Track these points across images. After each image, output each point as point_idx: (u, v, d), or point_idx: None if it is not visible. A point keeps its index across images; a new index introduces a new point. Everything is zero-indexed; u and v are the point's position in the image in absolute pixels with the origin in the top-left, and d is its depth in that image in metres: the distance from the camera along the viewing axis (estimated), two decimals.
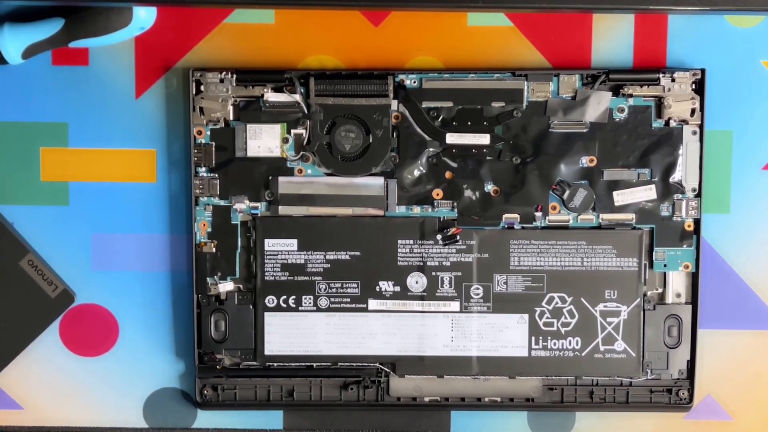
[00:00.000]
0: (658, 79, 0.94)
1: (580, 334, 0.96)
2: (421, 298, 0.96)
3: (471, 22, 0.96)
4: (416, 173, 0.96)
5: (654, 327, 0.96)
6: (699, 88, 0.95)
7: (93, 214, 0.97)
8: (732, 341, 0.98)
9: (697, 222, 0.95)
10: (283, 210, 0.96)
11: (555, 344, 0.96)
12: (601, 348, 0.96)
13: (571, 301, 0.96)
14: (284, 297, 0.96)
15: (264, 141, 0.95)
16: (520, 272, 0.96)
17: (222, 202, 0.96)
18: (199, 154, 0.95)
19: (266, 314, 0.96)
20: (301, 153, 0.95)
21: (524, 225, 0.96)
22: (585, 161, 0.95)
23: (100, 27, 0.92)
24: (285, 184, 0.96)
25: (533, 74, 0.95)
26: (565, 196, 0.95)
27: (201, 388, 0.97)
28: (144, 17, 0.93)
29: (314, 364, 0.96)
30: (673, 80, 0.94)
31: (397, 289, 0.96)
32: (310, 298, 0.96)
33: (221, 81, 0.95)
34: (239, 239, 0.96)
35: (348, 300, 0.96)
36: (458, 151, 0.95)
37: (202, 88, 0.95)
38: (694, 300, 0.96)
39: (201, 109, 0.95)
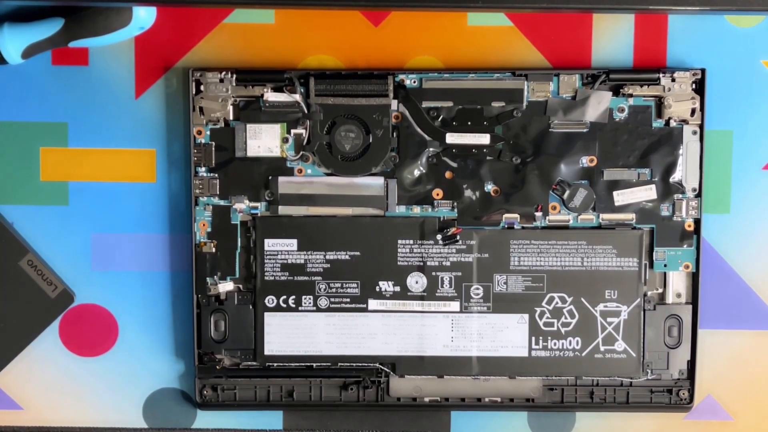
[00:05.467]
0: (658, 79, 0.94)
1: (580, 334, 0.96)
2: (421, 298, 0.96)
3: (471, 22, 0.96)
4: (416, 173, 0.95)
5: (654, 327, 0.96)
6: (699, 88, 0.95)
7: (93, 214, 0.97)
8: (732, 341, 0.98)
9: (697, 222, 0.95)
10: (283, 210, 0.96)
11: (555, 344, 0.96)
12: (602, 348, 0.96)
13: (571, 301, 0.96)
14: (284, 297, 0.96)
15: (264, 141, 0.95)
16: (520, 272, 0.96)
17: (222, 202, 0.96)
18: (199, 154, 0.95)
19: (266, 314, 0.96)
20: (301, 153, 0.95)
21: (524, 225, 0.96)
22: (585, 161, 0.95)
23: (100, 27, 0.92)
24: (285, 184, 0.96)
25: (533, 74, 0.95)
26: (565, 196, 0.95)
27: (201, 389, 0.97)
28: (144, 17, 0.93)
29: (314, 365, 0.96)
30: (673, 80, 0.94)
31: (397, 289, 0.96)
32: (310, 298, 0.96)
33: (221, 81, 0.95)
34: (239, 239, 0.96)
35: (348, 300, 0.96)
36: (458, 151, 0.95)
37: (202, 88, 0.95)
38: (694, 300, 0.96)
39: (201, 109, 0.95)
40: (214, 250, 0.96)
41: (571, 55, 0.96)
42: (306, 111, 0.95)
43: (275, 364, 0.96)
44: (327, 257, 0.96)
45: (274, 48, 0.96)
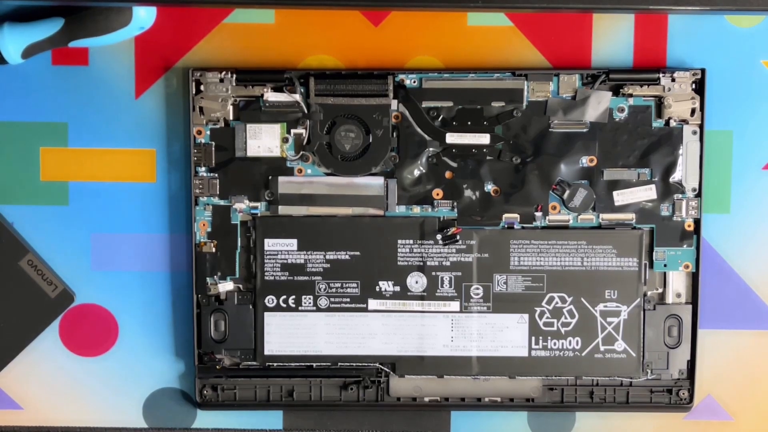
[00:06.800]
0: (658, 79, 0.94)
1: (580, 334, 0.96)
2: (421, 298, 0.96)
3: (471, 22, 0.96)
4: (416, 173, 0.96)
5: (654, 327, 0.96)
6: (699, 88, 0.95)
7: (93, 214, 0.97)
8: (732, 341, 0.98)
9: (697, 222, 0.95)
10: (283, 210, 0.96)
11: (555, 344, 0.96)
12: (602, 348, 0.96)
13: (571, 301, 0.96)
14: (284, 297, 0.96)
15: (264, 141, 0.95)
16: (520, 272, 0.96)
17: (222, 202, 0.96)
18: (199, 154, 0.95)
19: (266, 314, 0.96)
20: (301, 153, 0.95)
21: (524, 225, 0.96)
22: (585, 161, 0.95)
23: (100, 27, 0.92)
24: (285, 184, 0.96)
25: (533, 74, 0.95)
26: (565, 196, 0.95)
27: (201, 388, 0.97)
28: (144, 17, 0.93)
29: (314, 364, 0.96)
30: (673, 80, 0.94)
31: (397, 289, 0.96)
32: (309, 298, 0.96)
33: (221, 81, 0.95)
34: (239, 239, 0.96)
35: (348, 300, 0.96)
36: (458, 151, 0.95)
37: (202, 87, 0.95)
38: (694, 300, 0.96)
39: (201, 108, 0.95)
40: (214, 250, 0.96)
41: (571, 55, 0.96)
42: (306, 111, 0.95)
43: (275, 364, 0.96)
44: (327, 257, 0.96)
45: (274, 48, 0.96)
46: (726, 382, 0.98)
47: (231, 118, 0.95)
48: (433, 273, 0.96)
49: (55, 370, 0.98)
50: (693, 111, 0.95)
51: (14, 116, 0.96)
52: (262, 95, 0.95)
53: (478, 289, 0.96)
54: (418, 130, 0.95)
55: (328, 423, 0.98)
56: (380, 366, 0.96)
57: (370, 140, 0.95)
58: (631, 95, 0.95)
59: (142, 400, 0.98)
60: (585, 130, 0.95)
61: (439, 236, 0.95)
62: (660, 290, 0.96)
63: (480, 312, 0.96)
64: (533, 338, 0.96)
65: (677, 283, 0.96)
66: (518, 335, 0.96)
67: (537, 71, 0.95)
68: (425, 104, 0.95)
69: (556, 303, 0.96)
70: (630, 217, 0.96)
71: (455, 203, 0.96)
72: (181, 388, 0.98)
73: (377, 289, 0.96)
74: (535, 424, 0.98)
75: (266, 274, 0.96)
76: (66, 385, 0.98)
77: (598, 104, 0.95)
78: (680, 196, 0.95)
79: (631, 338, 0.96)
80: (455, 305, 0.96)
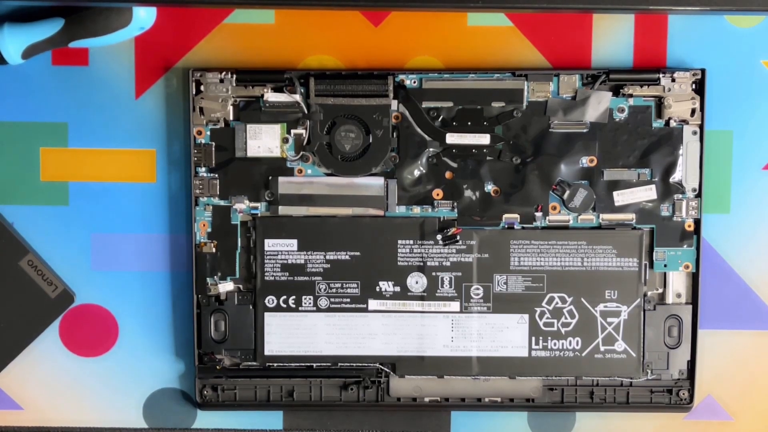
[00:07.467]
0: (658, 79, 0.94)
1: (580, 334, 0.96)
2: (421, 298, 0.96)
3: (471, 22, 0.96)
4: (416, 173, 0.96)
5: (654, 327, 0.96)
6: (699, 88, 0.95)
7: (93, 214, 0.97)
8: (732, 341, 0.98)
9: (697, 222, 0.95)
10: (283, 210, 0.96)
11: (555, 344, 0.96)
12: (602, 348, 0.96)
13: (571, 301, 0.96)
14: (284, 297, 0.96)
15: (264, 141, 0.95)
16: (520, 272, 0.96)
17: (222, 202, 0.96)
18: (199, 154, 0.95)
19: (266, 314, 0.96)
20: (301, 153, 0.95)
21: (524, 225, 0.96)
22: (585, 161, 0.95)
23: (100, 27, 0.92)
24: (285, 184, 0.96)
25: (533, 74, 0.95)
26: (565, 196, 0.95)
27: (201, 389, 0.97)
28: (144, 17, 0.93)
29: (314, 365, 0.96)
30: (673, 80, 0.94)
31: (397, 289, 0.96)
32: (310, 299, 0.96)
33: (221, 81, 0.95)
34: (239, 239, 0.96)
35: (348, 300, 0.96)
36: (458, 151, 0.95)
37: (202, 88, 0.95)
38: (694, 300, 0.96)
39: (201, 109, 0.95)
40: (214, 250, 0.96)
41: (571, 55, 0.96)
42: (306, 111, 0.95)
43: (275, 364, 0.96)
44: (327, 257, 0.96)
45: (274, 48, 0.96)
46: (726, 382, 0.98)
47: (231, 118, 0.95)
48: (433, 273, 0.96)
49: (55, 370, 0.98)
50: (693, 111, 0.95)
51: (14, 116, 0.96)
52: (262, 95, 0.95)
53: (478, 289, 0.96)
54: (418, 130, 0.95)
55: (328, 423, 0.98)
56: (380, 366, 0.96)
57: (370, 140, 0.95)
58: (631, 95, 0.95)
59: (142, 400, 0.98)
60: (585, 131, 0.95)
61: (439, 236, 0.95)
62: (660, 290, 0.96)
63: (480, 312, 0.96)
64: (533, 338, 0.96)
65: (677, 284, 0.96)
66: (518, 335, 0.96)
67: (537, 71, 0.95)
68: (425, 104, 0.95)
69: (556, 303, 0.96)
70: (630, 217, 0.96)
71: (455, 203, 0.96)
72: (181, 388, 0.98)
73: (377, 289, 0.96)
74: (536, 424, 0.98)
75: (266, 274, 0.96)
76: (66, 385, 0.98)
77: (598, 104, 0.95)
78: (680, 196, 0.95)
79: (631, 338, 0.96)
80: (455, 305, 0.96)
